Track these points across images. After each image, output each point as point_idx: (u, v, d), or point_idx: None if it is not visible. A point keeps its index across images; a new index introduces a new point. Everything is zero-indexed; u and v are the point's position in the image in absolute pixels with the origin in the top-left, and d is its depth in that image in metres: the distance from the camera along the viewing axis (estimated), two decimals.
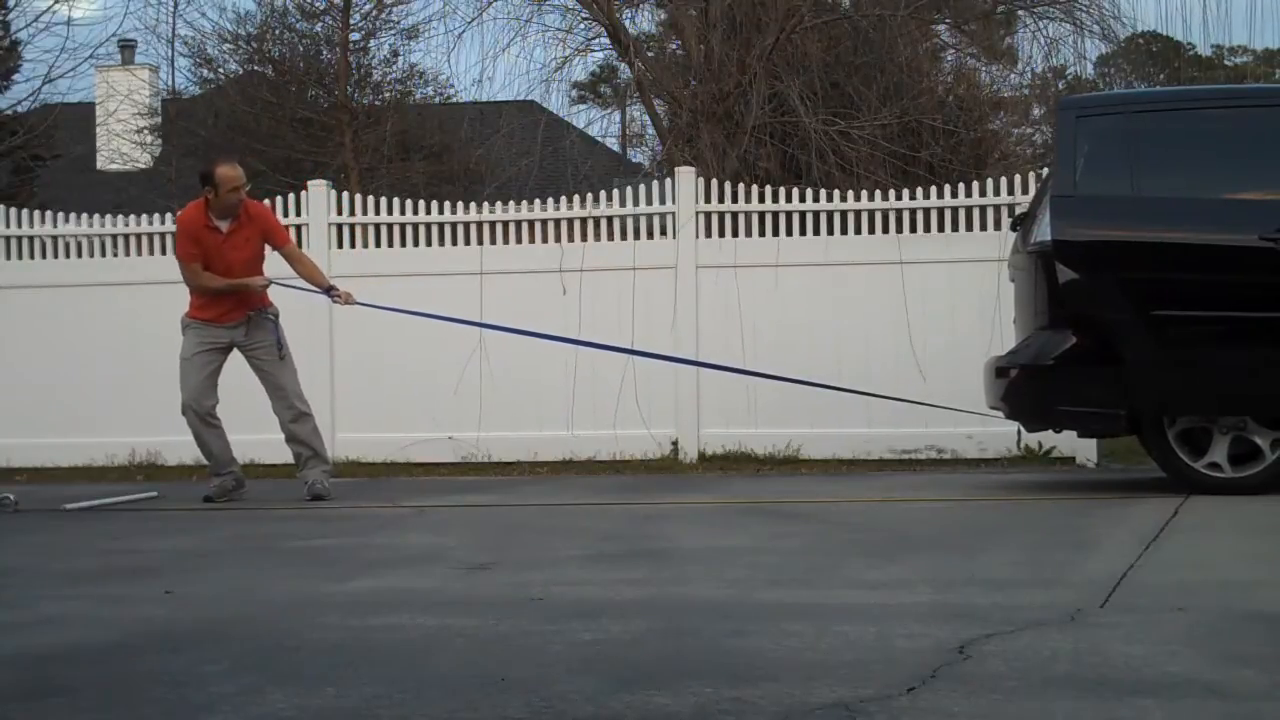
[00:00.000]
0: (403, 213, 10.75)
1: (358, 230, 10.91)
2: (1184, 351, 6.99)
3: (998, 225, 9.92)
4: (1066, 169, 7.38)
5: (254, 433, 10.46)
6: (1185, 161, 7.39)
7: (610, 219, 10.62)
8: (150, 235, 11.06)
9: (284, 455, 10.58)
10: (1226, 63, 45.05)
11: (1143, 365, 7.01)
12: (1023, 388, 7.35)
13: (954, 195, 10.12)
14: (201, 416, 8.11)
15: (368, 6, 18.18)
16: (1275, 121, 7.32)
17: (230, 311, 8.15)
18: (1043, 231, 7.31)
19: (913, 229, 10.21)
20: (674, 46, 16.73)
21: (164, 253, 11.01)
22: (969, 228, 10.05)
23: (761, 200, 10.31)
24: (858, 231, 10.20)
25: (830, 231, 10.24)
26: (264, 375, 8.26)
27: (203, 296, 8.13)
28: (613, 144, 21.57)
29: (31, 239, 11.19)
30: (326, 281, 8.43)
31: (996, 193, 10.02)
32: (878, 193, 10.53)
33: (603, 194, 10.95)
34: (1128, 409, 7.13)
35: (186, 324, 8.18)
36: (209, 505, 8.13)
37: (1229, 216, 7.11)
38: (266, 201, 10.91)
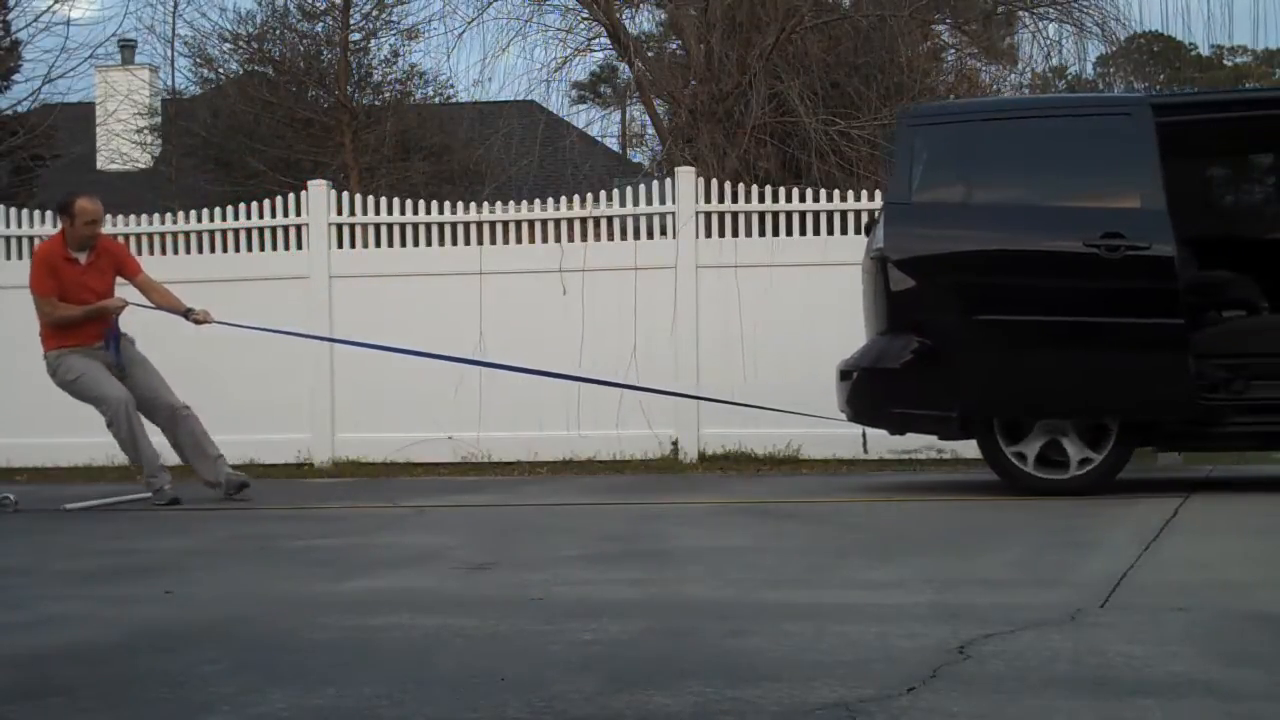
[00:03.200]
0: (403, 213, 10.75)
1: (358, 230, 10.91)
2: (1011, 355, 7.13)
3: None
4: (902, 177, 7.54)
5: (254, 433, 10.51)
6: (1015, 170, 7.51)
7: (610, 219, 10.62)
8: (150, 235, 11.05)
9: (284, 455, 10.62)
10: (1226, 63, 45.05)
11: (972, 369, 7.18)
12: (863, 391, 7.52)
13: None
14: (133, 414, 8.10)
15: (368, 6, 18.20)
16: (1101, 130, 7.42)
17: (93, 337, 8.19)
18: (878, 239, 7.49)
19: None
20: (674, 46, 16.74)
21: (164, 253, 11.02)
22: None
23: (761, 200, 10.31)
24: (858, 232, 10.20)
25: (830, 232, 10.24)
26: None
27: (61, 328, 8.17)
28: (613, 144, 21.60)
29: (31, 239, 11.19)
30: (183, 306, 8.45)
31: None
32: (878, 193, 10.53)
33: (602, 194, 10.96)
34: (959, 411, 7.30)
35: (58, 356, 8.18)
36: (201, 506, 8.13)
37: (1055, 223, 7.23)
38: (266, 201, 10.96)
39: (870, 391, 7.51)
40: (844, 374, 7.66)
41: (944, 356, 7.22)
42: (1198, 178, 9.04)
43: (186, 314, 8.43)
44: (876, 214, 8.85)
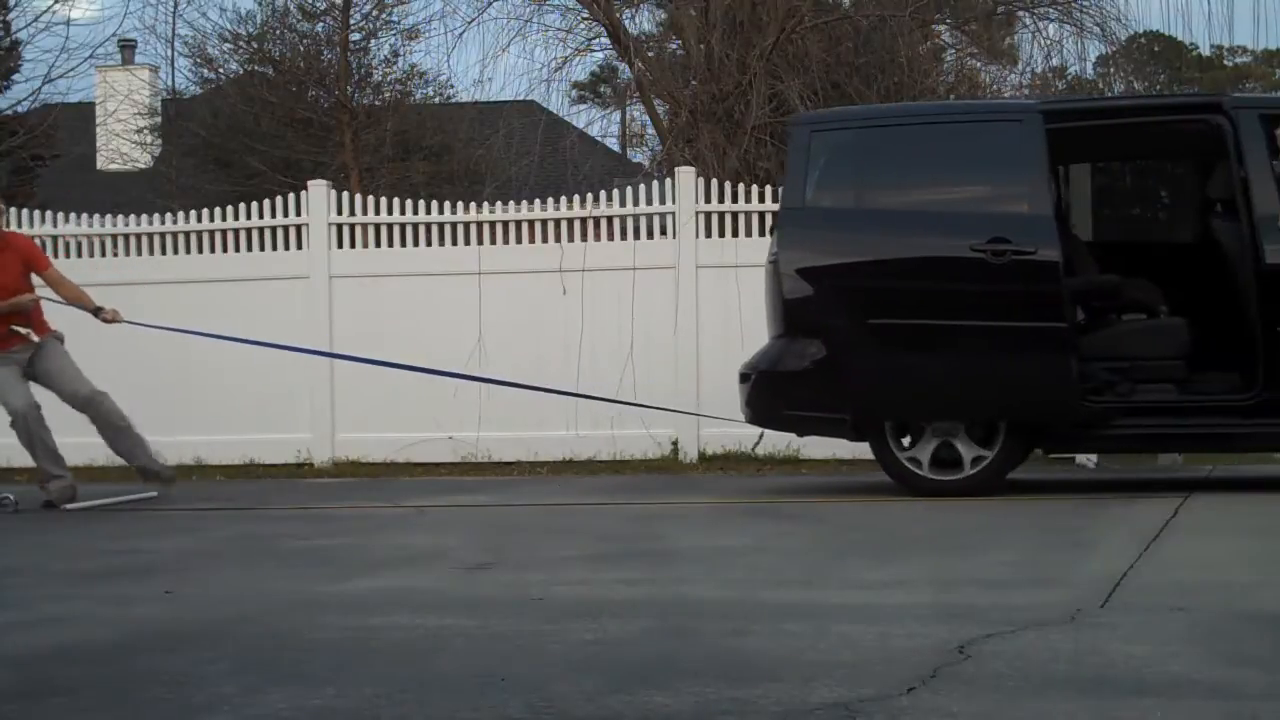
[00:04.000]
0: (403, 213, 10.75)
1: (358, 230, 10.90)
2: (900, 359, 7.23)
3: None
4: (796, 183, 7.62)
5: (254, 433, 10.51)
6: (908, 176, 7.57)
7: (610, 219, 10.61)
8: (150, 235, 11.05)
9: (284, 455, 10.62)
10: (1227, 63, 45.03)
11: (862, 372, 7.28)
12: (760, 393, 7.59)
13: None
14: (39, 419, 8.05)
15: (368, 7, 18.19)
16: (993, 137, 7.51)
17: (5, 338, 8.07)
18: (774, 243, 7.60)
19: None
20: (674, 46, 16.72)
21: (164, 252, 11.02)
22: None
23: (761, 200, 10.30)
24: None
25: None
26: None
27: None
28: (613, 144, 21.59)
29: (31, 239, 11.18)
30: (93, 303, 8.35)
31: None
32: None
33: (603, 194, 10.95)
34: (850, 413, 7.40)
35: None
36: (201, 506, 8.13)
37: (944, 228, 7.31)
38: (266, 201, 10.95)
39: (767, 394, 7.59)
40: (743, 377, 7.73)
41: (836, 360, 7.31)
42: (1094, 183, 9.21)
43: (96, 312, 8.35)
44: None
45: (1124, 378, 7.37)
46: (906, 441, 7.45)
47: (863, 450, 9.84)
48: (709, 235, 10.34)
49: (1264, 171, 7.05)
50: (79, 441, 10.89)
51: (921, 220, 7.42)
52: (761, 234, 10.32)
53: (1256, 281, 6.98)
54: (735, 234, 10.31)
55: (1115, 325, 7.81)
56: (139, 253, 11.07)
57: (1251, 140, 7.10)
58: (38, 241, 11.14)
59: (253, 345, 9.36)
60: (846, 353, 7.28)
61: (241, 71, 19.20)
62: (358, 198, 11.04)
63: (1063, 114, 7.63)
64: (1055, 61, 16.12)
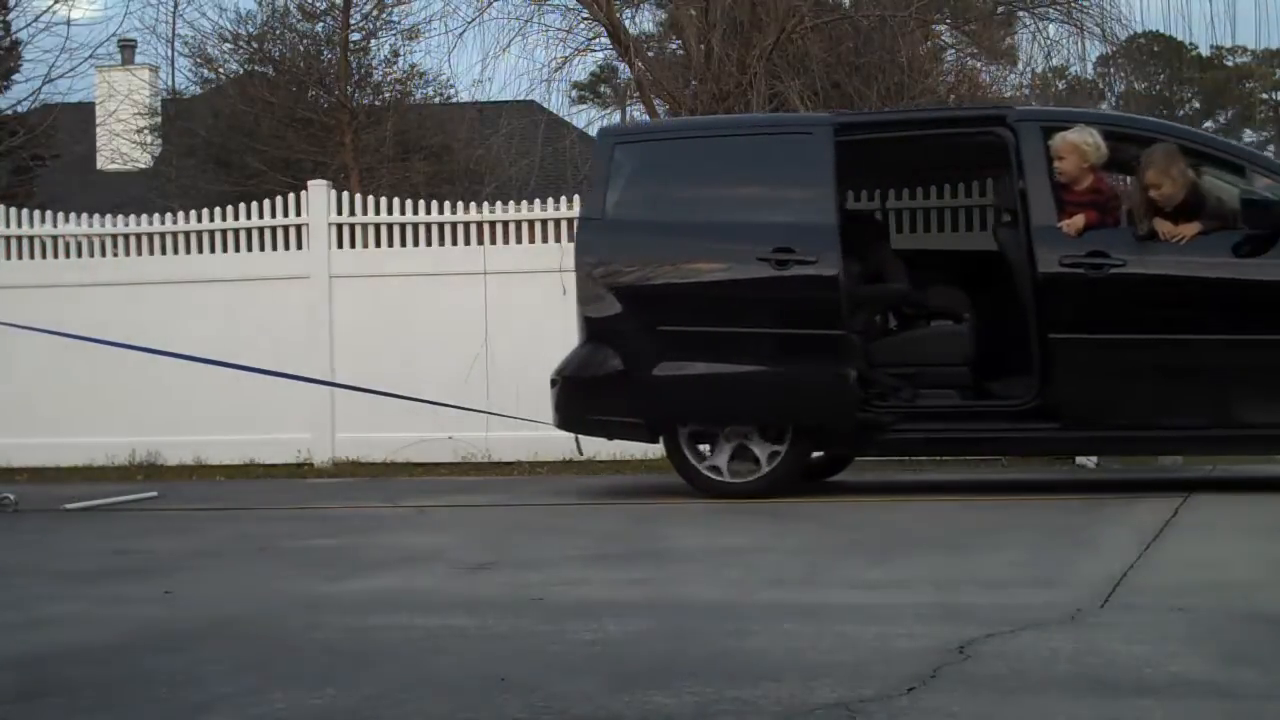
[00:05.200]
0: (403, 213, 10.75)
1: (358, 230, 10.90)
2: (689, 365, 7.43)
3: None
4: (598, 193, 7.87)
5: (254, 433, 10.52)
6: (704, 187, 7.75)
7: None
8: (150, 235, 11.06)
9: (284, 455, 10.63)
10: (1227, 63, 45.03)
11: (654, 377, 7.47)
12: (565, 398, 7.83)
13: (954, 195, 10.10)
14: None
15: (368, 7, 18.18)
16: (785, 149, 7.75)
17: None
18: (574, 252, 7.87)
19: (926, 229, 10.18)
20: (674, 46, 16.72)
21: (164, 252, 11.02)
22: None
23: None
24: (940, 229, 10.11)
25: (915, 229, 10.17)
26: None
27: None
28: None
29: (31, 239, 11.20)
30: None
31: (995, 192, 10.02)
32: (877, 193, 10.51)
33: None
34: (644, 418, 7.62)
35: None
36: (201, 506, 8.13)
37: (734, 238, 7.51)
38: (266, 201, 10.95)
39: (571, 399, 7.81)
40: (552, 382, 7.91)
41: (632, 366, 7.51)
42: (913, 193, 9.62)
43: None
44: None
45: (908, 383, 7.59)
46: (707, 447, 7.68)
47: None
48: None
49: (1041, 183, 7.24)
50: (79, 441, 10.95)
51: (713, 230, 7.59)
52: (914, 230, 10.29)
53: (1033, 289, 7.18)
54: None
55: (905, 332, 8.11)
56: (139, 253, 11.07)
57: (1031, 152, 7.30)
58: (38, 242, 11.18)
59: (158, 355, 9.46)
60: (639, 359, 7.49)
61: (241, 71, 19.18)
62: (358, 198, 11.04)
63: (853, 127, 7.87)
64: (1055, 61, 16.12)
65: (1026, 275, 7.19)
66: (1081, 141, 7.20)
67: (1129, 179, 7.74)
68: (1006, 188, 7.68)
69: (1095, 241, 7.07)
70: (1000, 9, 16.15)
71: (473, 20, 15.99)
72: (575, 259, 7.86)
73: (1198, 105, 46.94)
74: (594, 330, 7.68)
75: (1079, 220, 7.10)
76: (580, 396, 7.77)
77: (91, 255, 11.14)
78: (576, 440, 8.50)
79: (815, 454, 7.98)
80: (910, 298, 8.20)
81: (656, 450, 10.21)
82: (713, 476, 7.56)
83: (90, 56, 17.46)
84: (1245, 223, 7.01)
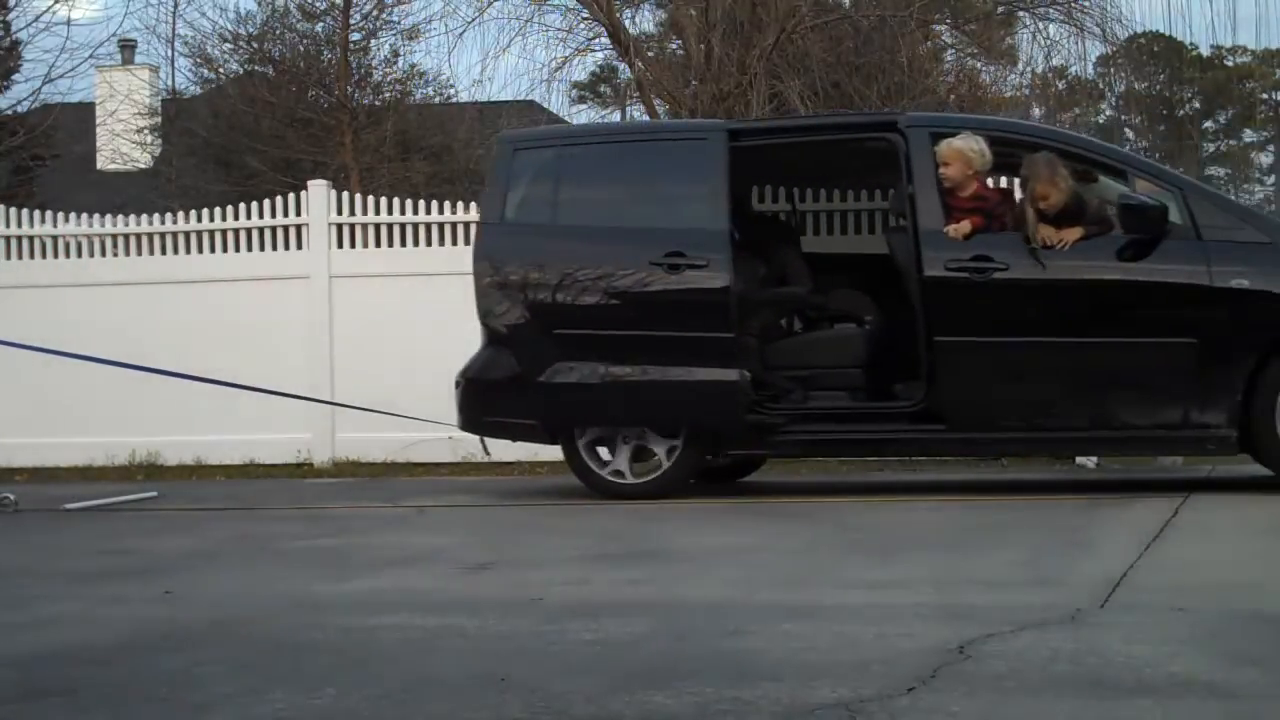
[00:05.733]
0: (403, 213, 10.75)
1: (358, 230, 10.90)
2: (585, 367, 7.56)
3: None
4: (496, 198, 8.00)
5: (255, 433, 10.51)
6: (601, 192, 7.92)
7: None
8: (150, 235, 11.06)
9: (284, 455, 10.62)
10: (1227, 62, 45.02)
11: (549, 380, 7.59)
12: (466, 400, 7.92)
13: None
14: None
15: (368, 6, 18.16)
16: (679, 155, 7.87)
17: None
18: (472, 256, 8.01)
19: (829, 232, 10.23)
20: (674, 46, 16.72)
21: (164, 252, 11.02)
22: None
23: (762, 200, 10.29)
24: (858, 232, 10.18)
25: (830, 232, 10.22)
26: None
27: None
28: None
29: (31, 239, 11.20)
30: None
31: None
32: (877, 192, 10.52)
33: None
34: (540, 420, 7.75)
35: None
36: (201, 506, 8.13)
37: (628, 242, 7.62)
38: (266, 201, 10.95)
39: (472, 402, 7.90)
40: (456, 384, 7.99)
41: (528, 369, 7.63)
42: (792, 196, 9.70)
43: None
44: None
45: (800, 386, 7.70)
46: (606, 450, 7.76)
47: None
48: None
49: (929, 188, 7.33)
50: (79, 441, 10.95)
51: (608, 235, 7.71)
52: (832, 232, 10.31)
53: (920, 292, 7.26)
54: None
55: (800, 335, 8.23)
56: (139, 252, 11.07)
57: (920, 158, 7.39)
58: (38, 242, 11.18)
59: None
60: (535, 362, 7.61)
61: (241, 71, 19.17)
62: (358, 198, 11.04)
63: (747, 133, 7.98)
64: (1055, 61, 16.12)
65: (914, 279, 7.30)
66: (966, 148, 7.31)
67: (1017, 183, 7.83)
68: (899, 192, 7.79)
69: (980, 246, 7.16)
70: (1000, 9, 16.15)
71: (473, 20, 16.01)
72: (473, 263, 7.95)
73: (1198, 105, 46.95)
74: (492, 333, 7.79)
75: (965, 225, 7.20)
76: (481, 399, 7.87)
77: (91, 255, 11.14)
78: (482, 442, 8.67)
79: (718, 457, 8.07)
80: (810, 301, 8.35)
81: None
82: (608, 478, 7.68)
83: (90, 56, 17.45)
84: (1123, 227, 7.14)
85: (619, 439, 7.68)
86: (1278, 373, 6.85)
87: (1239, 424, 6.92)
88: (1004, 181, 8.61)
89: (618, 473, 7.68)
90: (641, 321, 7.50)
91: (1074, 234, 7.10)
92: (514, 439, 8.32)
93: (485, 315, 7.80)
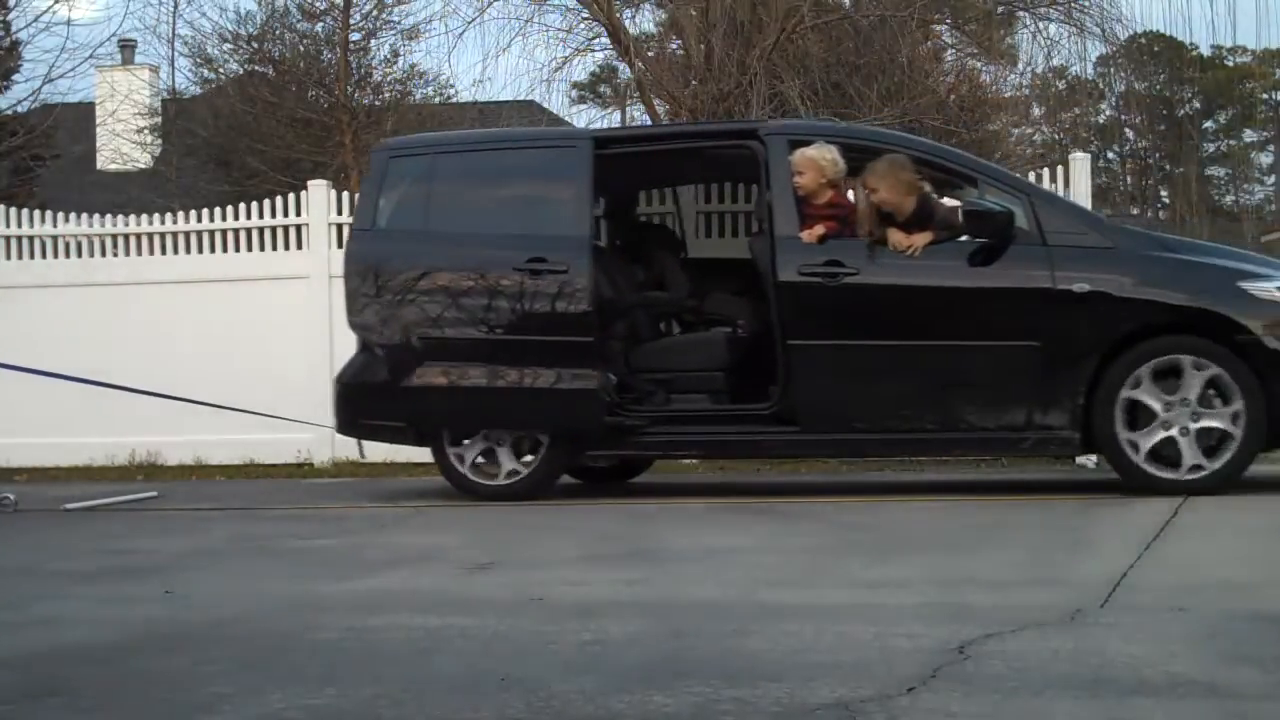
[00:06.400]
0: None
1: None
2: (448, 371, 7.74)
3: None
4: (369, 204, 8.17)
5: (254, 432, 10.51)
6: (471, 199, 8.09)
7: None
8: (150, 235, 11.06)
9: (284, 455, 10.62)
10: (1227, 62, 45.02)
11: (415, 383, 7.76)
12: (340, 403, 8.11)
13: (954, 195, 10.10)
14: None
15: (368, 7, 18.17)
16: (543, 162, 8.11)
17: None
18: (344, 262, 8.20)
19: (721, 235, 10.26)
20: (674, 46, 16.71)
21: (164, 252, 11.02)
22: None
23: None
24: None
25: (724, 235, 10.25)
26: None
27: None
28: None
29: (31, 239, 11.20)
30: None
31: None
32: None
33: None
34: (408, 422, 7.92)
35: None
36: (201, 506, 8.13)
37: (494, 249, 7.79)
38: (266, 201, 10.95)
39: (347, 404, 8.07)
40: (334, 385, 8.16)
41: (396, 372, 7.80)
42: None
43: None
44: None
45: (662, 388, 7.86)
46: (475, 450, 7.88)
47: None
48: (709, 235, 10.34)
49: (786, 194, 7.46)
50: (79, 441, 10.95)
51: (475, 241, 7.86)
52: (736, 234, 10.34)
53: (775, 296, 7.40)
54: (735, 234, 10.30)
55: (665, 340, 8.39)
56: (139, 252, 11.07)
57: (778, 165, 7.51)
58: (38, 242, 11.18)
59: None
60: (403, 365, 7.78)
61: (241, 71, 19.18)
62: (358, 197, 11.03)
63: (613, 141, 8.25)
64: (1055, 61, 16.13)
65: (771, 283, 7.43)
66: (819, 157, 7.43)
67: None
68: (760, 199, 7.93)
69: (833, 251, 7.30)
70: (1000, 9, 16.14)
71: (473, 20, 16.00)
72: (344, 268, 8.14)
73: (1198, 105, 46.96)
74: (364, 337, 7.96)
75: (818, 230, 7.34)
76: (354, 402, 8.02)
77: (91, 255, 11.14)
78: (359, 444, 8.86)
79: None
80: (683, 305, 8.55)
81: None
82: (472, 478, 7.82)
83: (90, 56, 17.44)
84: (969, 232, 7.26)
85: (483, 441, 7.83)
86: (1118, 375, 6.96)
87: (1082, 426, 7.05)
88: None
89: (482, 473, 7.84)
90: (505, 326, 7.69)
91: (923, 239, 7.25)
92: (386, 441, 8.54)
93: (354, 320, 7.97)
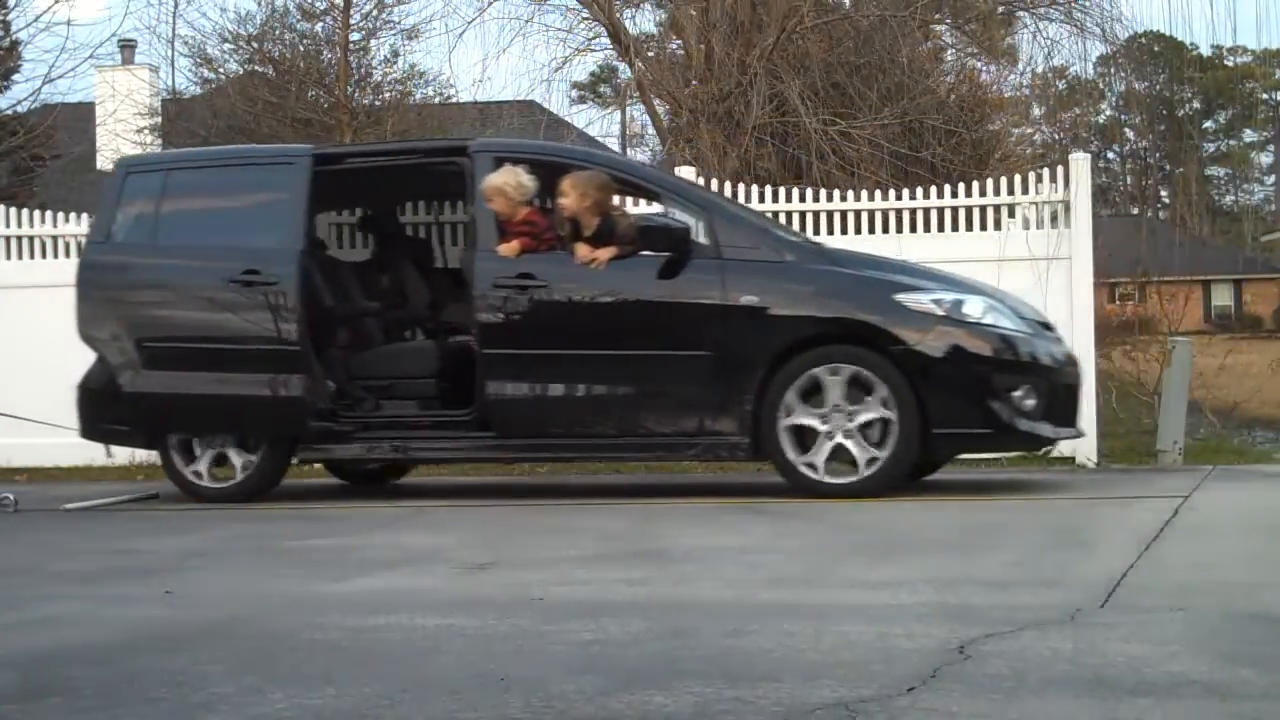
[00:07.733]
0: (403, 213, 10.72)
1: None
2: (166, 378, 8.05)
3: (997, 225, 9.96)
4: (106, 217, 8.53)
5: None
6: (198, 213, 8.45)
7: None
8: None
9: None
10: (1227, 62, 45.03)
11: (138, 389, 8.13)
12: (80, 408, 8.44)
13: (954, 195, 10.12)
14: None
15: (368, 6, 18.16)
16: (265, 177, 8.38)
17: None
18: (76, 271, 8.52)
19: (913, 229, 10.22)
20: (674, 46, 16.72)
21: None
22: (969, 227, 10.06)
23: (762, 200, 10.30)
24: (858, 231, 10.20)
25: (830, 231, 10.23)
26: None
27: None
28: (613, 144, 21.57)
29: (31, 239, 11.19)
30: None
31: (996, 192, 10.03)
32: (878, 193, 10.53)
33: None
34: (132, 426, 8.33)
35: None
36: (201, 506, 8.13)
37: (213, 260, 8.13)
38: None
39: (86, 409, 8.41)
40: (76, 392, 8.41)
41: (124, 379, 8.16)
42: (376, 215, 9.92)
43: None
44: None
45: (372, 395, 8.14)
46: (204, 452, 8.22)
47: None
48: None
49: (487, 210, 7.75)
50: (79, 441, 10.90)
51: (197, 253, 8.22)
52: None
53: (473, 308, 7.69)
54: None
55: (380, 348, 8.61)
56: None
57: (482, 181, 7.78)
58: (38, 242, 11.17)
59: None
60: (128, 372, 8.16)
61: (241, 71, 19.17)
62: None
63: (331, 158, 8.51)
64: (1055, 61, 16.15)
65: (470, 294, 7.71)
66: (504, 184, 7.71)
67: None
68: (468, 213, 8.21)
69: (527, 265, 7.61)
70: (1000, 9, 16.16)
71: (473, 20, 16.06)
72: (76, 278, 8.40)
73: (1198, 105, 46.98)
74: (97, 346, 8.27)
75: (514, 245, 7.63)
76: (92, 406, 8.36)
77: None
78: (105, 447, 9.34)
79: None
80: (413, 316, 8.96)
81: None
82: (192, 480, 8.15)
83: (90, 56, 17.53)
84: (648, 246, 7.52)
85: (202, 444, 8.14)
86: (781, 384, 7.27)
87: (751, 432, 7.34)
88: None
89: (200, 475, 8.15)
90: (221, 336, 8.04)
91: (607, 253, 7.52)
92: (120, 444, 8.98)
93: (84, 330, 8.26)
